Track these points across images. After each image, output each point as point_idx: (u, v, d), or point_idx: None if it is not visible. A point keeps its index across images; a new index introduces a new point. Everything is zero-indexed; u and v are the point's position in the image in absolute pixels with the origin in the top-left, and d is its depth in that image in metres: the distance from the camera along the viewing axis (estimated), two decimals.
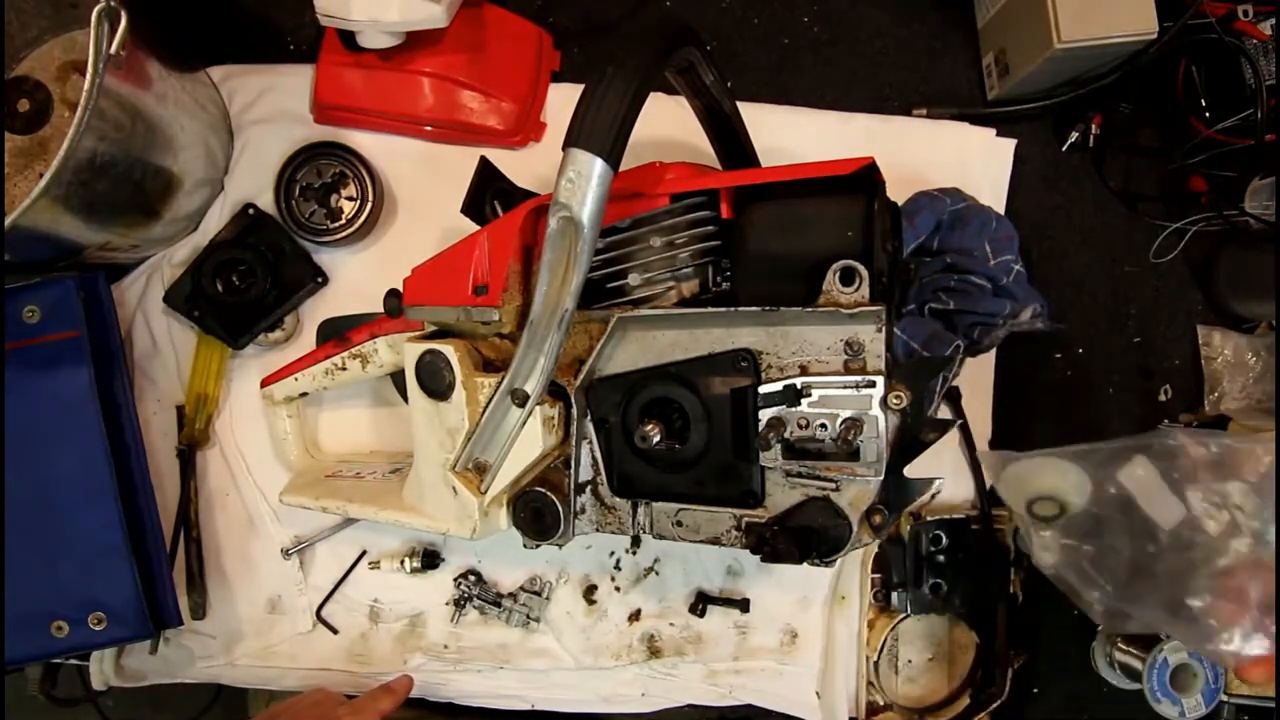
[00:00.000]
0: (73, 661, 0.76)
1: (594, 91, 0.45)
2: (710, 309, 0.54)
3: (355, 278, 0.77)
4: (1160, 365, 0.78)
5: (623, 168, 0.47)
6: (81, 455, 0.67)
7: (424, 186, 0.78)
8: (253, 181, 0.76)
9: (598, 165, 0.45)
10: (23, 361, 0.67)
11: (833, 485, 0.53)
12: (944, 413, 0.74)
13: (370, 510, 0.66)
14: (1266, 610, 0.56)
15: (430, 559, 0.75)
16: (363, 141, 0.76)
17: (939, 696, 0.76)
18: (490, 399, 0.56)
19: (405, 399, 0.63)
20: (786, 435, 0.53)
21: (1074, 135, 0.77)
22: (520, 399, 0.55)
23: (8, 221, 0.57)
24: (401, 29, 0.66)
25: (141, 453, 0.72)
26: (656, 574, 0.75)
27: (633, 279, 0.57)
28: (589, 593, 0.75)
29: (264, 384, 0.74)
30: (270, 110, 0.77)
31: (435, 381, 0.59)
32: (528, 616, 0.75)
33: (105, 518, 0.67)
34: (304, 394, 0.74)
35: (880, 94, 0.80)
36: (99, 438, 0.67)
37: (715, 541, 0.57)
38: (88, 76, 0.55)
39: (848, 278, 0.50)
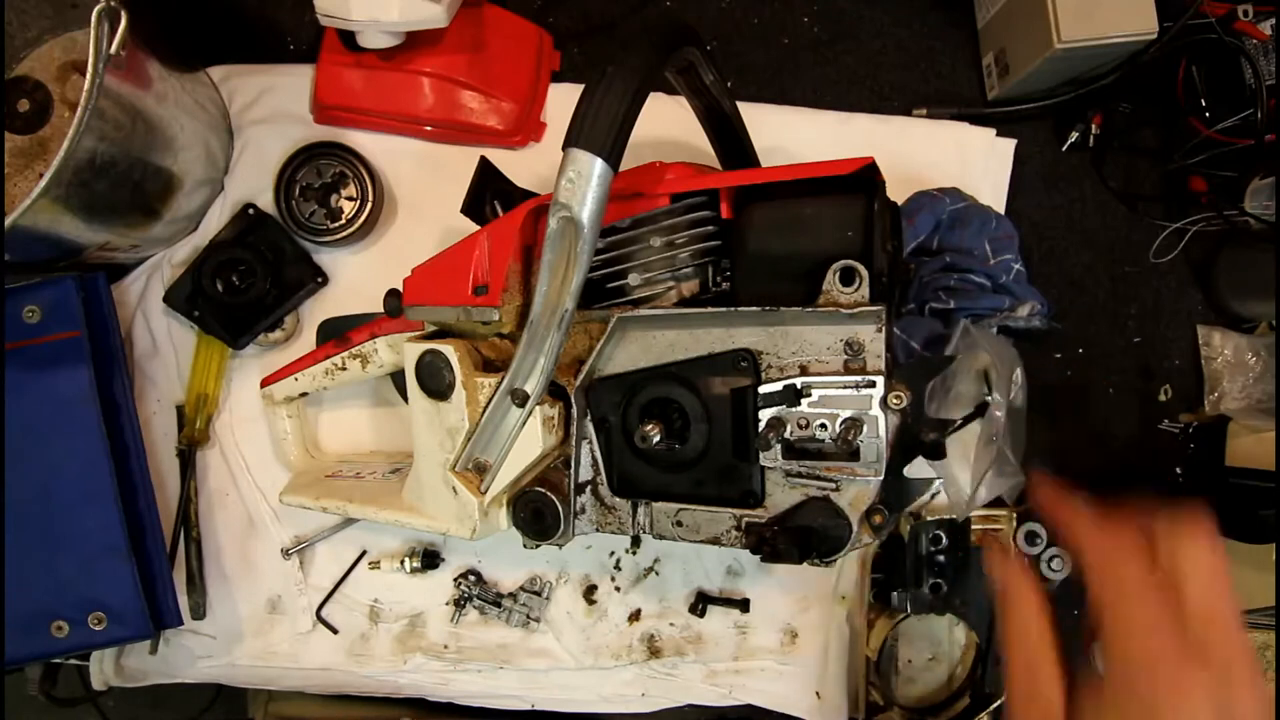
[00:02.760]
0: (73, 661, 0.76)
1: (594, 91, 0.45)
2: (710, 309, 0.54)
3: (355, 278, 0.77)
4: (1160, 365, 0.78)
5: (623, 168, 0.47)
6: (81, 455, 0.67)
7: (424, 186, 0.78)
8: (253, 181, 0.76)
9: (598, 165, 0.45)
10: (23, 361, 0.67)
11: (833, 485, 0.53)
12: None
13: (370, 510, 0.66)
14: None
15: (430, 559, 0.75)
16: (363, 141, 0.76)
17: (939, 696, 0.76)
18: (490, 399, 0.56)
19: (405, 399, 0.63)
20: (786, 435, 0.53)
21: (1074, 135, 0.77)
22: (520, 399, 0.55)
23: (8, 221, 0.57)
24: (401, 29, 0.66)
25: (141, 453, 0.72)
26: (656, 574, 0.75)
27: (633, 279, 0.57)
28: (589, 593, 0.75)
29: (264, 384, 0.74)
30: (270, 110, 0.77)
31: (435, 381, 0.59)
32: (528, 616, 0.75)
33: (105, 518, 0.67)
34: (304, 394, 0.74)
35: (880, 94, 0.80)
36: (99, 438, 0.67)
37: (715, 541, 0.57)
38: (88, 76, 0.55)
39: (848, 278, 0.50)
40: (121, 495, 0.67)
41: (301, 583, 0.76)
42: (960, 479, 0.65)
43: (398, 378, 0.71)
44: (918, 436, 0.51)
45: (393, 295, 0.63)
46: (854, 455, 0.51)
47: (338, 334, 0.72)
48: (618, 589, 0.75)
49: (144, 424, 0.76)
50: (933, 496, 0.71)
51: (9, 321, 0.67)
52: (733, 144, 0.65)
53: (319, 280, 0.76)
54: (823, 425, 0.52)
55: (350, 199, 0.75)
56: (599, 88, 0.45)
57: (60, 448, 0.67)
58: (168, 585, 0.71)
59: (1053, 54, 0.68)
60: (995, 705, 0.73)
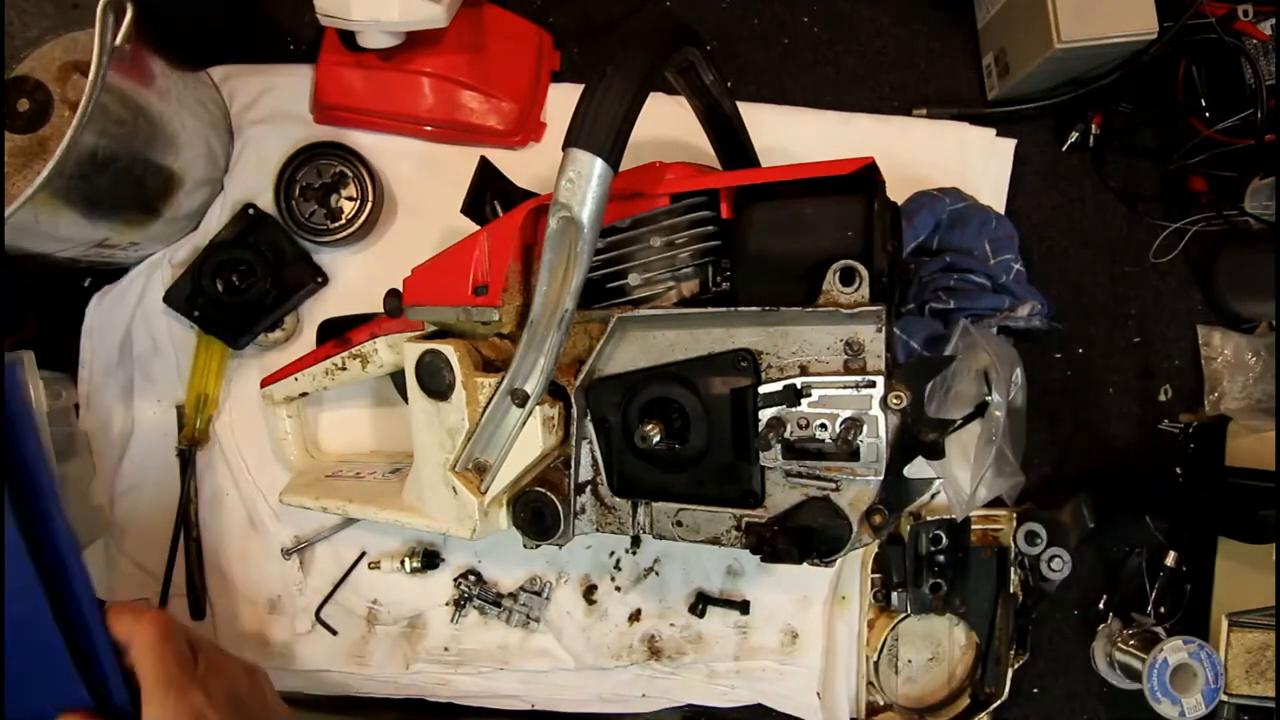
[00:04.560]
0: None
1: (594, 91, 0.45)
2: (710, 309, 0.54)
3: (355, 278, 0.77)
4: (1160, 365, 0.78)
5: (623, 168, 0.47)
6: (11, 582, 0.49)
7: (424, 186, 0.78)
8: (253, 181, 0.76)
9: (598, 165, 0.45)
10: None
11: (833, 485, 0.53)
12: None
13: (370, 510, 0.66)
14: None
15: (430, 559, 0.75)
16: (363, 141, 0.76)
17: (939, 696, 0.76)
18: (490, 399, 0.56)
19: (405, 399, 0.63)
20: (786, 435, 0.53)
21: (1074, 135, 0.77)
22: (520, 399, 0.55)
23: (8, 211, 0.57)
24: (401, 29, 0.66)
25: (79, 564, 0.52)
26: (656, 574, 0.75)
27: (633, 279, 0.57)
28: (589, 593, 0.75)
29: (264, 384, 0.74)
30: (270, 110, 0.77)
31: (435, 381, 0.59)
32: (528, 617, 0.75)
33: (45, 642, 0.51)
34: (304, 394, 0.74)
35: (880, 94, 0.80)
36: (24, 566, 0.49)
37: (715, 541, 0.57)
38: (92, 68, 0.55)
39: (848, 278, 0.50)
40: (60, 609, 0.51)
41: (301, 583, 0.76)
42: (960, 479, 0.65)
43: (398, 378, 0.71)
44: (918, 436, 0.51)
45: (393, 295, 0.63)
46: (854, 455, 0.51)
47: (338, 334, 0.72)
48: (618, 589, 0.75)
49: (144, 424, 0.76)
50: (933, 496, 0.71)
51: None
52: (733, 144, 0.65)
53: (319, 280, 0.76)
54: (823, 425, 0.52)
55: (350, 199, 0.75)
56: (599, 88, 0.45)
57: None
58: (118, 679, 0.52)
59: (1053, 54, 0.68)
60: (995, 705, 0.73)
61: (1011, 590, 0.73)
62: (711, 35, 0.80)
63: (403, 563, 0.75)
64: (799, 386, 0.52)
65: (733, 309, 0.53)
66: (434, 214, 0.77)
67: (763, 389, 0.53)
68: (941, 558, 0.72)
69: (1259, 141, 0.72)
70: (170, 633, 0.51)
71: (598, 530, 0.60)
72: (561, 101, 0.78)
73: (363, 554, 0.76)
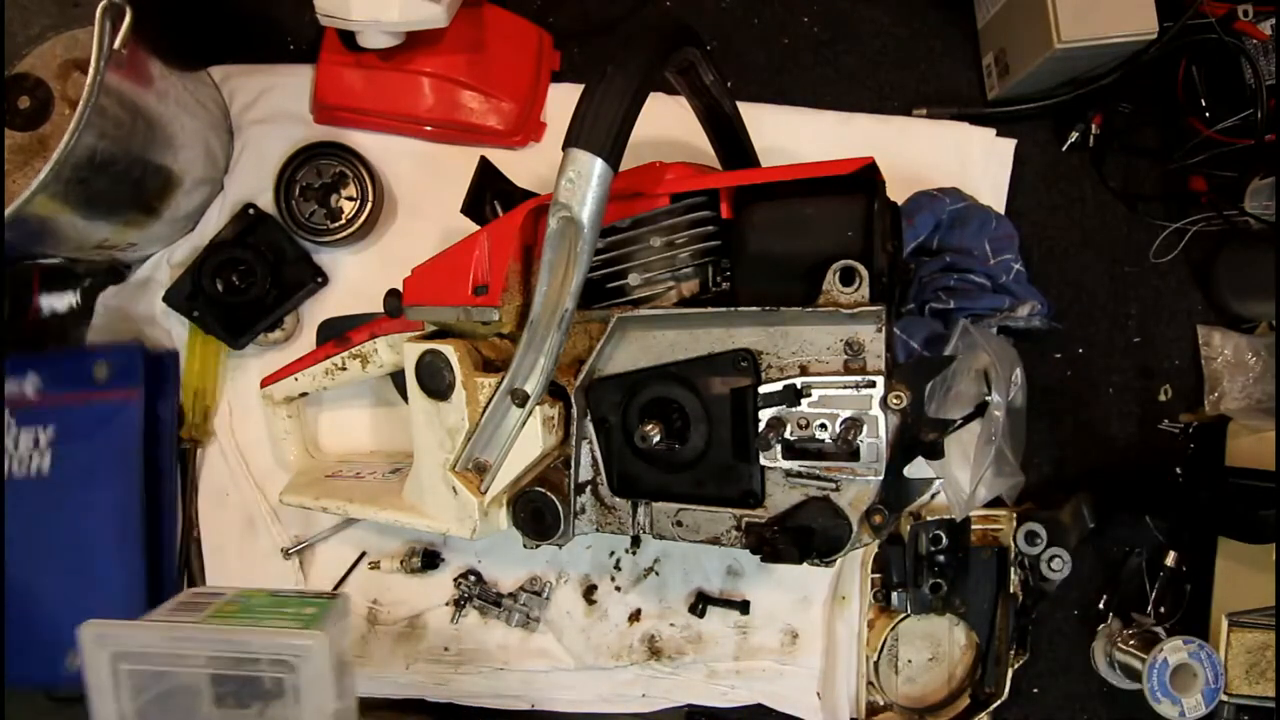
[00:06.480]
0: None
1: (594, 91, 0.45)
2: (710, 309, 0.54)
3: (355, 278, 0.77)
4: (1160, 365, 0.78)
5: (623, 168, 0.47)
6: (121, 509, 0.71)
7: (424, 186, 0.78)
8: (253, 181, 0.76)
9: (598, 165, 0.45)
10: (85, 411, 0.72)
11: (833, 485, 0.53)
12: None
13: (370, 510, 0.66)
14: None
15: (430, 559, 0.75)
16: (363, 141, 0.76)
17: (939, 696, 0.76)
18: (490, 399, 0.56)
19: (405, 399, 0.63)
20: (786, 435, 0.53)
21: (1074, 135, 0.77)
22: (520, 399, 0.55)
23: (7, 212, 0.57)
24: (401, 29, 0.66)
25: (175, 517, 0.75)
26: (656, 574, 0.75)
27: (633, 279, 0.57)
28: (589, 593, 0.75)
29: (264, 384, 0.74)
30: (270, 110, 0.77)
31: (435, 381, 0.59)
32: (528, 617, 0.75)
33: (131, 571, 0.71)
34: (304, 394, 0.74)
35: (880, 94, 0.80)
36: (138, 495, 0.71)
37: (715, 541, 0.57)
38: (90, 72, 0.55)
39: (848, 278, 0.50)
40: (149, 552, 0.71)
41: (301, 583, 0.76)
42: (960, 479, 0.65)
43: (398, 378, 0.71)
44: (918, 436, 0.51)
45: (393, 295, 0.63)
46: (854, 455, 0.51)
47: (338, 334, 0.72)
48: (618, 589, 0.75)
49: None
50: (933, 496, 0.71)
51: (79, 376, 0.73)
52: (733, 144, 0.65)
53: (319, 280, 0.76)
54: (823, 425, 0.52)
55: (350, 199, 0.75)
56: (599, 88, 0.45)
57: (103, 497, 0.71)
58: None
59: (1053, 54, 0.68)
60: (995, 705, 0.74)
61: (1011, 590, 0.73)
62: (711, 35, 0.80)
63: (403, 563, 0.75)
64: (799, 386, 0.52)
65: (733, 309, 0.53)
66: (434, 214, 0.77)
67: (763, 389, 0.53)
68: (941, 558, 0.72)
69: (1259, 141, 0.72)
70: None
71: (598, 530, 0.60)
72: (561, 101, 0.78)
73: (363, 554, 0.76)
